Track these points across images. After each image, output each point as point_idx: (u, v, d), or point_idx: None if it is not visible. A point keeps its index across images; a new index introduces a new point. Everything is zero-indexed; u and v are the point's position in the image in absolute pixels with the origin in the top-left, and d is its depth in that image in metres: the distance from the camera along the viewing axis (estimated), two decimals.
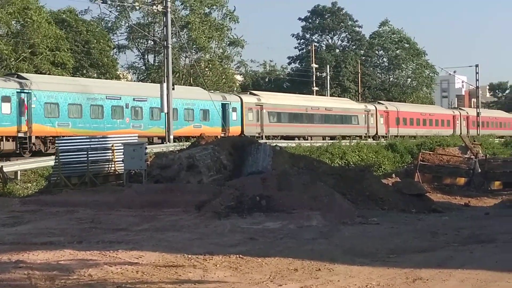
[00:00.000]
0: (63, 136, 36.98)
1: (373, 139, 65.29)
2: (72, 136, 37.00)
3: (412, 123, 75.03)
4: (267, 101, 60.50)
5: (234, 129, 53.96)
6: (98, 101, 45.42)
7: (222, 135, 49.33)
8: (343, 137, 57.65)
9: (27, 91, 40.92)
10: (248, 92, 64.22)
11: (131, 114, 47.37)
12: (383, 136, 67.93)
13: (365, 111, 71.42)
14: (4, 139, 38.48)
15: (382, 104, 72.89)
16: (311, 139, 59.81)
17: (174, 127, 47.28)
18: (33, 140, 40.05)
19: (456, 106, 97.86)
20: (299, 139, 58.40)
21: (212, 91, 60.31)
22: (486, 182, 36.78)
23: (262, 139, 51.39)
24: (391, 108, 73.18)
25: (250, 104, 57.87)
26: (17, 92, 40.29)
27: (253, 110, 57.99)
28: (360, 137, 63.80)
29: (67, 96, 43.45)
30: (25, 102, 40.67)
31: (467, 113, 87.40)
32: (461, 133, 74.11)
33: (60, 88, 43.71)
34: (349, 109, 70.27)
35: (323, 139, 57.89)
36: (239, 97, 58.57)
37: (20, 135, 39.53)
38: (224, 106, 54.80)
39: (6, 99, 39.49)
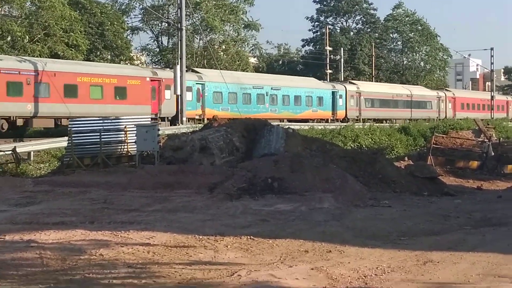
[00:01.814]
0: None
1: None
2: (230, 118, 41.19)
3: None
4: (364, 89, 69.45)
5: (340, 113, 64.73)
6: (248, 90, 55.71)
7: (332, 118, 62.19)
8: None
9: (202, 82, 51.59)
10: (348, 82, 71.95)
11: (269, 101, 57.39)
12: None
13: (437, 97, 79.79)
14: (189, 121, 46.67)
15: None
16: (396, 122, 65.98)
17: (298, 111, 59.50)
18: (205, 121, 45.55)
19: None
20: (386, 122, 64.67)
21: (323, 81, 71.15)
22: (499, 166, 36.68)
23: (360, 122, 61.92)
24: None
25: (351, 92, 66.82)
26: (196, 83, 50.84)
27: (354, 97, 67.10)
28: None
29: (227, 86, 51.96)
30: (201, 91, 51.36)
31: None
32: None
33: (222, 80, 50.83)
34: (424, 95, 78.68)
35: (404, 122, 63.42)
36: (344, 86, 67.14)
37: (196, 117, 49.48)
38: (333, 94, 64.54)
39: (189, 89, 48.56)
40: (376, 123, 59.02)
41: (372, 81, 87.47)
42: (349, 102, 66.19)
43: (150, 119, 34.44)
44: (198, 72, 53.73)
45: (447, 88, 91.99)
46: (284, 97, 58.68)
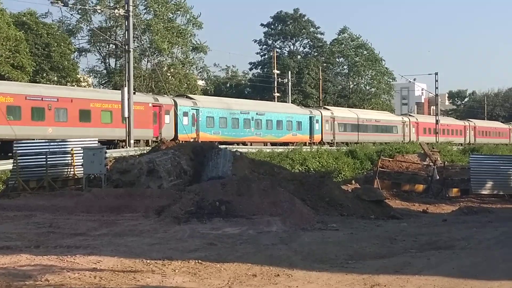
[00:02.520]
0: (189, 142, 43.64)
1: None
2: (221, 141, 49.25)
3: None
4: (337, 114, 72.99)
5: (317, 137, 67.49)
6: (236, 115, 58.64)
7: (309, 141, 64.29)
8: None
9: (196, 108, 54.66)
10: (323, 107, 76.04)
11: (255, 125, 60.48)
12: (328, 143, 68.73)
13: (402, 122, 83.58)
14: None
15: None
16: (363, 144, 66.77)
17: (280, 135, 63.07)
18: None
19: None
20: (356, 144, 65.16)
21: (301, 106, 75.94)
22: (444, 189, 37.11)
23: (334, 145, 66.42)
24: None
25: (326, 117, 70.06)
26: (191, 108, 54.10)
27: (329, 122, 70.40)
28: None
29: (218, 112, 56.68)
30: (195, 116, 54.17)
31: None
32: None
33: (214, 106, 57.38)
34: (391, 120, 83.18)
35: (373, 144, 65.41)
36: (320, 111, 70.33)
37: (191, 140, 47.72)
38: (310, 119, 67.64)
39: (185, 114, 52.97)
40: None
41: (320, 104, 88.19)
42: (325, 126, 69.31)
43: (97, 142, 34.24)
44: (193, 98, 57.38)
45: (411, 114, 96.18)
46: (267, 121, 62.05)
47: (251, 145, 56.61)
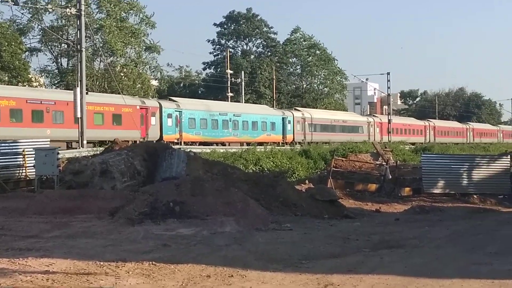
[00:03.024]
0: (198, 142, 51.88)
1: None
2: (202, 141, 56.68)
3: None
4: (307, 115, 76.50)
5: (289, 137, 71.14)
6: (215, 116, 62.23)
7: (282, 141, 68.54)
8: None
9: (179, 110, 58.15)
10: (294, 108, 79.36)
11: (232, 126, 63.72)
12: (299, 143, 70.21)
13: (367, 122, 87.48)
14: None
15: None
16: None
17: (255, 135, 66.13)
18: (182, 144, 53.39)
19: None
20: (328, 144, 66.40)
21: (274, 108, 79.61)
22: (397, 188, 37.46)
23: (305, 144, 68.37)
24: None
25: (298, 118, 73.66)
26: (175, 110, 57.39)
27: (300, 122, 73.82)
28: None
29: (199, 113, 60.35)
30: (178, 118, 57.42)
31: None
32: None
33: (196, 108, 61.16)
34: (357, 121, 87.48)
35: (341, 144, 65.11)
36: (291, 112, 74.40)
37: (175, 141, 54.03)
38: (283, 120, 71.34)
39: (169, 115, 56.43)
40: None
41: (273, 104, 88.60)
42: (296, 127, 72.78)
43: (48, 143, 33.98)
44: (176, 101, 60.59)
45: (375, 115, 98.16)
46: (244, 122, 65.67)
47: (229, 145, 59.68)
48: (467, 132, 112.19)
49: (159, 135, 54.31)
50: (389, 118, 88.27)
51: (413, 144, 79.29)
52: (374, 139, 78.59)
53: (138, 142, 46.94)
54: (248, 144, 59.57)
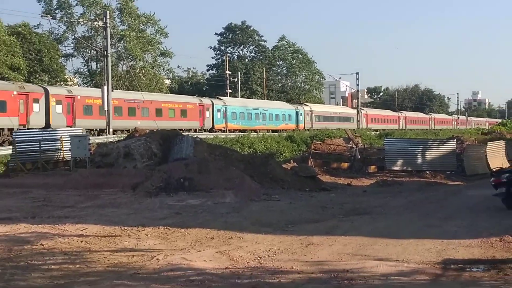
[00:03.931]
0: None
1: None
2: (241, 129, 60.28)
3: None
4: (314, 109, 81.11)
5: (301, 125, 74.09)
6: (249, 110, 67.29)
7: (295, 129, 69.47)
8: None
9: (225, 106, 63.53)
10: (303, 104, 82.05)
11: (261, 117, 68.57)
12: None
13: (356, 114, 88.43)
14: (217, 131, 58.95)
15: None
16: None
17: (278, 124, 70.51)
18: (227, 131, 59.48)
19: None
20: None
21: (290, 104, 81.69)
22: (364, 166, 37.40)
23: (312, 130, 68.79)
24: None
25: (307, 111, 77.61)
26: (222, 106, 62.89)
27: (308, 114, 77.58)
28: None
29: (239, 108, 65.78)
30: (225, 112, 62.78)
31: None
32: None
33: (236, 104, 66.71)
34: (349, 113, 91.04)
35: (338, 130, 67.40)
36: (302, 107, 78.08)
37: (222, 129, 61.10)
38: (297, 113, 75.40)
39: (219, 110, 62.14)
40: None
41: (264, 98, 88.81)
42: (306, 118, 76.49)
43: (82, 131, 33.99)
44: (222, 99, 65.87)
45: (362, 108, 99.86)
46: (269, 115, 70.30)
47: (259, 132, 60.96)
48: (429, 121, 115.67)
49: (212, 125, 60.31)
50: (358, 110, 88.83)
51: (384, 130, 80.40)
52: (362, 127, 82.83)
53: (197, 130, 56.33)
54: (273, 131, 63.65)
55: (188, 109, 57.59)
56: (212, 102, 61.82)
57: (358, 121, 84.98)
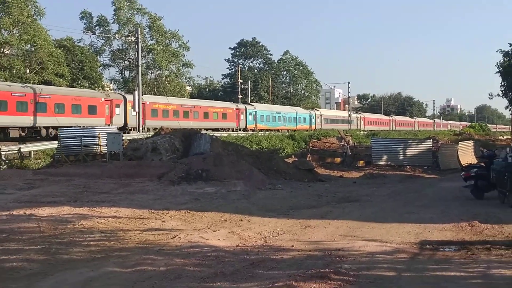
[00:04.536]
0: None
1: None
2: (267, 129, 61.49)
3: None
4: (323, 113, 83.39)
5: (313, 127, 75.09)
6: (274, 114, 69.49)
7: (309, 129, 70.76)
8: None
9: (255, 110, 65.39)
10: (315, 109, 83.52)
11: (283, 120, 70.41)
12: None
13: (356, 117, 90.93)
14: (249, 130, 58.79)
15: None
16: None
17: (295, 125, 71.47)
18: (257, 130, 58.62)
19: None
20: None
21: (304, 109, 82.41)
22: (354, 161, 37.35)
23: (322, 130, 69.28)
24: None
25: (317, 115, 79.81)
26: (253, 111, 64.64)
27: (318, 118, 79.42)
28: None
29: (266, 112, 67.93)
30: (255, 115, 64.53)
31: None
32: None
33: (264, 109, 69.02)
34: (351, 116, 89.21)
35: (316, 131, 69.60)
36: (314, 111, 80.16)
37: (253, 128, 60.97)
38: (310, 116, 77.49)
39: (250, 113, 64.04)
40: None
41: (270, 103, 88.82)
42: (316, 120, 78.35)
43: (116, 129, 34.05)
44: (253, 105, 68.03)
45: (361, 112, 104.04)
46: (289, 117, 72.32)
47: (281, 131, 62.93)
48: (414, 123, 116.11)
49: (245, 125, 62.15)
50: (349, 113, 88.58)
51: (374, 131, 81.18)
52: (360, 127, 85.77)
53: (234, 129, 58.91)
54: (292, 131, 63.07)
55: (228, 113, 60.55)
56: (245, 107, 64.30)
57: (349, 122, 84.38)
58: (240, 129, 60.06)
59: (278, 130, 63.44)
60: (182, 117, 52.52)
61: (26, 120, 38.27)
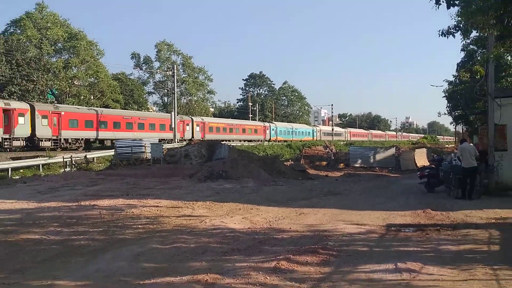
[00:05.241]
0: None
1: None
2: (283, 140, 62.91)
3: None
4: (322, 128, 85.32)
5: (315, 138, 75.90)
6: (288, 129, 70.95)
7: (312, 139, 72.17)
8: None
9: (276, 127, 67.85)
10: (316, 125, 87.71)
11: (294, 133, 71.50)
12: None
13: (345, 132, 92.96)
14: (271, 141, 61.21)
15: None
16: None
17: (302, 137, 72.53)
18: (277, 141, 60.79)
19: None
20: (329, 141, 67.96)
21: (309, 125, 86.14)
22: (336, 164, 37.29)
23: (321, 139, 71.35)
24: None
25: (318, 129, 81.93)
26: (274, 127, 67.24)
27: (319, 132, 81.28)
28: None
29: (283, 128, 69.77)
30: (276, 130, 66.76)
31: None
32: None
33: (281, 126, 70.31)
34: (341, 130, 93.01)
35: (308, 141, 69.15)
36: (316, 127, 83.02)
37: (273, 139, 63.37)
38: (312, 131, 79.38)
39: (273, 129, 66.27)
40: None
41: (272, 120, 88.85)
42: (317, 134, 79.89)
43: (158, 140, 34.17)
44: (275, 123, 69.74)
45: (347, 127, 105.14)
46: (298, 132, 73.92)
47: (293, 141, 62.20)
48: (385, 135, 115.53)
49: (269, 137, 64.45)
50: (332, 128, 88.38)
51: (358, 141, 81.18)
52: (347, 139, 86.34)
53: (262, 140, 60.57)
54: (300, 141, 64.19)
55: (258, 129, 63.84)
56: (269, 125, 67.06)
57: (332, 135, 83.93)
58: (266, 140, 62.50)
59: (291, 141, 63.55)
60: (229, 132, 56.50)
61: (91, 134, 38.70)
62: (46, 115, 35.15)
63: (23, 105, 34.35)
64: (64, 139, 36.73)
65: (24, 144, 33.87)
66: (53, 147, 35.38)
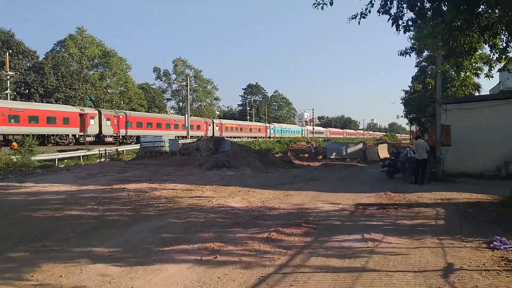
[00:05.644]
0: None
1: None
2: (277, 137, 59.82)
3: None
4: (309, 128, 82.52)
5: (304, 135, 73.06)
6: (284, 128, 70.26)
7: (301, 136, 69.44)
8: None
9: (275, 127, 67.63)
10: (306, 125, 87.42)
11: (288, 131, 70.31)
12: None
13: (326, 130, 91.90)
14: (271, 138, 59.46)
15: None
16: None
17: (294, 134, 70.97)
18: (275, 137, 59.83)
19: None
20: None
21: (299, 125, 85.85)
22: (316, 156, 37.23)
23: (309, 138, 64.01)
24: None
25: (306, 129, 79.89)
26: (274, 127, 67.11)
27: (308, 130, 78.95)
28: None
29: (279, 128, 69.48)
30: (274, 129, 66.15)
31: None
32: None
33: (279, 126, 69.69)
34: (323, 130, 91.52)
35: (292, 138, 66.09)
36: (306, 127, 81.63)
37: (275, 137, 61.17)
38: (301, 129, 77.82)
39: (272, 129, 65.75)
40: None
41: (266, 122, 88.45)
42: (306, 132, 77.89)
43: (174, 136, 34.09)
44: (273, 124, 69.93)
45: (329, 128, 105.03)
46: (291, 130, 73.45)
47: (283, 138, 59.29)
48: (357, 134, 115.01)
49: (269, 135, 63.91)
50: (313, 128, 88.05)
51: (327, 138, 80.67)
52: (328, 136, 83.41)
53: (263, 137, 59.17)
54: (292, 138, 61.88)
55: (261, 128, 64.39)
56: (269, 125, 67.63)
57: (313, 133, 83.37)
58: (267, 137, 62.27)
59: (285, 138, 62.32)
60: (240, 131, 57.52)
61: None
62: (109, 118, 37.36)
63: (93, 111, 36.56)
64: (122, 136, 38.63)
65: (94, 140, 35.72)
66: (114, 141, 37.34)
